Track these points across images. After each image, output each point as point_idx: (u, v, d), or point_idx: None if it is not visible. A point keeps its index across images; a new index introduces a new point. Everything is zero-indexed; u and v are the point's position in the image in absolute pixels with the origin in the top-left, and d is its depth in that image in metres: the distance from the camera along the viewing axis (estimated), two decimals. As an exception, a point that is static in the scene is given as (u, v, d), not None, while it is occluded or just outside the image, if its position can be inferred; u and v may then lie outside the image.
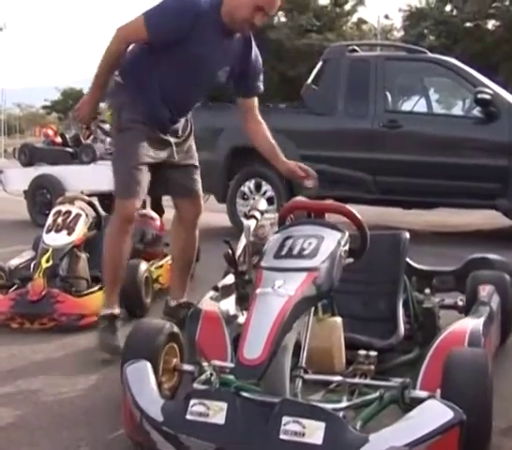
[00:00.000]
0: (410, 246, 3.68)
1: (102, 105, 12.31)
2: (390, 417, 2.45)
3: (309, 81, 8.18)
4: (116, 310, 3.84)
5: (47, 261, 4.44)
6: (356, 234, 2.88)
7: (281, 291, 2.43)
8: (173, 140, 4.02)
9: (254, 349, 2.28)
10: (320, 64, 8.15)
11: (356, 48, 8.39)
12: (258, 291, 2.49)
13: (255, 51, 4.02)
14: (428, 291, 3.69)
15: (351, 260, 2.84)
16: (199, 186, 4.26)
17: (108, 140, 9.94)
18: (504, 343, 3.85)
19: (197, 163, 4.29)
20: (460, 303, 3.89)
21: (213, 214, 9.12)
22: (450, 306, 3.91)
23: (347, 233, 2.77)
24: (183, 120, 4.12)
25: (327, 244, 2.66)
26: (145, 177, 3.86)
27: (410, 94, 8.70)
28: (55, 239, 4.60)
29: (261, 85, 4.12)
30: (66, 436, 2.71)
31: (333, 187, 7.45)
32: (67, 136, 11.49)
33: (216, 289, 3.62)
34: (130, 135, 3.82)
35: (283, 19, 33.13)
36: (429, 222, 9.09)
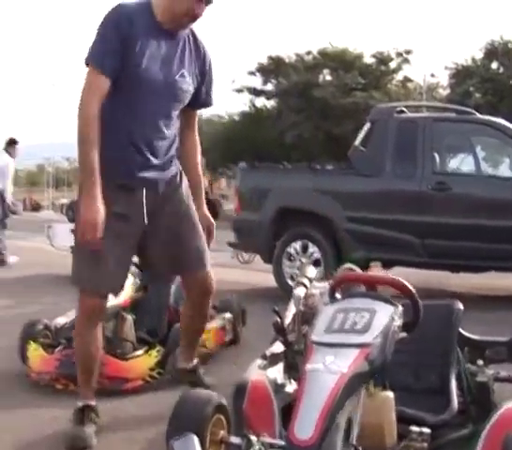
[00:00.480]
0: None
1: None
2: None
3: (357, 142, 8.17)
4: (91, 402, 3.46)
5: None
6: (408, 306, 2.82)
7: (333, 367, 2.37)
8: (149, 193, 3.39)
9: (306, 428, 2.22)
10: (367, 125, 8.16)
11: (404, 109, 8.39)
12: (308, 366, 2.43)
13: (206, 52, 3.54)
14: (481, 362, 3.57)
15: (404, 334, 2.77)
16: (204, 256, 3.61)
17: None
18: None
19: (198, 227, 3.60)
20: (516, 376, 3.78)
21: (259, 273, 9.10)
22: (505, 379, 3.79)
23: (400, 307, 2.71)
24: (167, 166, 3.49)
25: (380, 318, 2.60)
26: (113, 260, 3.32)
27: (458, 155, 8.63)
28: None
29: (212, 97, 3.64)
30: None
31: (380, 249, 7.39)
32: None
33: (264, 357, 3.56)
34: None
35: (328, 77, 33.50)
36: (476, 285, 8.92)
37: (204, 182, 8.30)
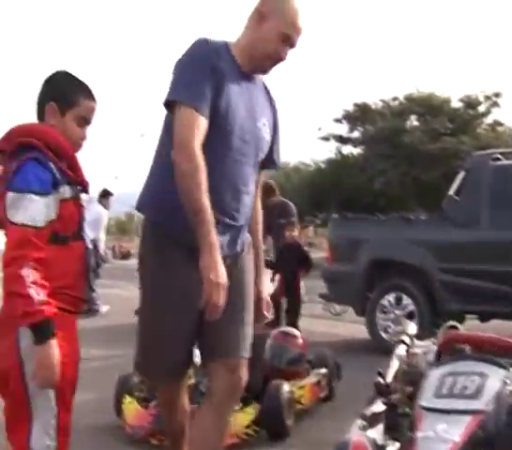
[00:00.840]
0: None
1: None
2: None
3: (451, 192, 8.01)
4: None
5: (189, 377, 4.37)
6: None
7: (445, 436, 2.28)
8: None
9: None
10: (462, 174, 7.99)
11: (500, 156, 8.20)
12: (419, 434, 2.34)
13: (275, 104, 3.18)
14: None
15: (517, 399, 2.64)
16: (242, 346, 2.92)
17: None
18: None
19: (250, 307, 3.00)
20: None
21: (350, 325, 8.97)
22: None
23: (511, 370, 2.59)
24: (245, 228, 3.03)
25: (492, 383, 2.49)
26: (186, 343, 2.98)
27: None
28: (198, 355, 4.54)
29: (280, 156, 3.20)
30: None
31: (476, 301, 7.18)
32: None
33: (363, 417, 3.45)
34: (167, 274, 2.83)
35: (416, 123, 33.25)
36: None
37: (296, 231, 8.21)
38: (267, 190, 9.87)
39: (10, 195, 2.49)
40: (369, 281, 7.88)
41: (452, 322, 3.52)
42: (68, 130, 2.71)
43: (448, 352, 2.91)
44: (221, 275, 2.55)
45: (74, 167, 2.72)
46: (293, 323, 7.55)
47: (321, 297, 8.73)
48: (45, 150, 2.60)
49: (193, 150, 2.65)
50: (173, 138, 2.70)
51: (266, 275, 6.89)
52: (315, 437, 4.06)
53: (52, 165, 2.59)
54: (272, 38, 2.88)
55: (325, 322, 9.55)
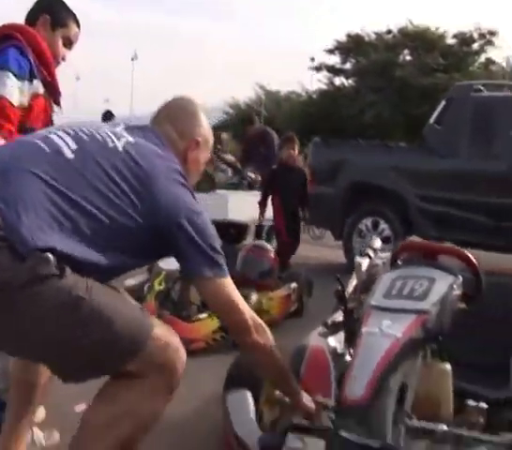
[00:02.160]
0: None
1: (224, 136, 12.48)
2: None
3: (432, 120, 8.08)
4: None
5: (159, 284, 4.52)
6: (472, 279, 2.82)
7: (389, 331, 2.39)
8: None
9: (357, 388, 2.25)
10: (443, 103, 8.05)
11: (482, 88, 8.24)
12: (364, 330, 2.46)
13: None
14: None
15: (464, 305, 2.77)
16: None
17: (229, 170, 10.12)
18: None
19: None
20: None
21: (329, 249, 9.11)
22: None
23: (461, 278, 2.71)
24: None
25: (439, 287, 2.61)
26: None
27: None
28: (169, 263, 4.68)
29: None
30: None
31: (452, 230, 7.31)
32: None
33: (325, 325, 3.60)
34: None
35: (409, 57, 33.00)
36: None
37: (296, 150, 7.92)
38: (247, 121, 10.00)
39: None
40: (348, 205, 8.02)
41: (414, 237, 3.64)
42: (54, 45, 2.87)
43: (404, 260, 3.03)
44: None
45: (51, 75, 2.81)
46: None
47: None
48: (26, 46, 2.72)
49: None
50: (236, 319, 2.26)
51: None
52: (281, 346, 4.20)
53: (31, 60, 2.71)
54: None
55: (304, 246, 9.68)
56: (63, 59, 2.98)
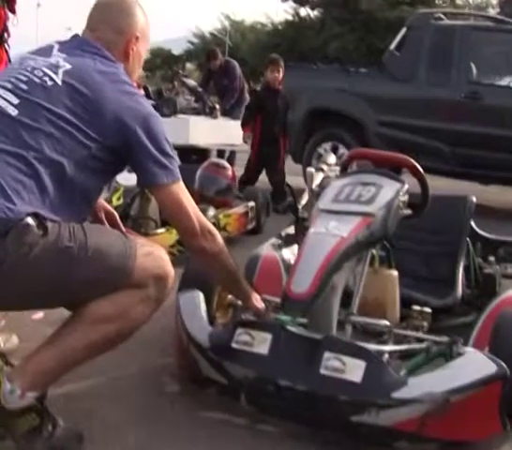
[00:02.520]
0: (485, 221, 3.63)
1: (189, 66, 12.36)
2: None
3: (392, 46, 8.10)
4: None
5: (118, 199, 4.54)
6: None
7: (335, 231, 2.47)
8: None
9: (302, 283, 2.33)
10: (404, 30, 8.06)
11: (442, 16, 8.24)
12: (311, 230, 2.53)
13: None
14: (492, 258, 3.66)
15: (409, 211, 2.85)
16: None
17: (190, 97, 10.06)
18: None
19: None
20: (526, 273, 3.84)
21: (290, 176, 9.16)
22: None
23: (406, 185, 2.79)
24: None
25: (385, 192, 2.68)
26: None
27: (495, 66, 8.38)
28: (128, 179, 4.65)
29: None
30: (117, 359, 2.79)
31: (409, 155, 7.33)
32: (150, 89, 11.64)
33: (279, 237, 3.67)
34: None
35: (375, -11, 32.55)
36: (507, 200, 8.88)
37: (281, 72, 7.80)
38: (209, 55, 9.92)
39: None
40: (308, 130, 8.05)
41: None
42: None
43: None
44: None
45: None
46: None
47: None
48: None
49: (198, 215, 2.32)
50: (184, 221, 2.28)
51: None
52: (237, 260, 4.26)
53: None
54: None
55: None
56: None
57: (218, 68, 9.86)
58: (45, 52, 2.23)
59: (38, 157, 2.01)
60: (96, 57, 2.22)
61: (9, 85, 2.12)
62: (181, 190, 2.23)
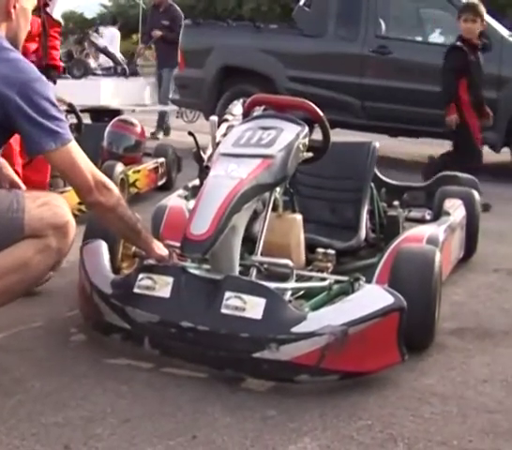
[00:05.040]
0: (392, 172, 3.67)
1: (102, 29, 12.07)
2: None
3: (301, 2, 8.10)
4: None
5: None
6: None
7: (234, 174, 2.48)
8: None
9: (201, 225, 2.34)
10: None
11: None
12: (211, 174, 2.54)
13: None
14: (396, 203, 3.72)
15: (310, 154, 2.87)
16: None
17: (101, 56, 9.91)
18: (468, 258, 3.91)
19: None
20: (428, 217, 3.92)
21: (203, 135, 9.13)
22: (417, 219, 3.94)
23: (306, 127, 2.80)
24: None
25: (285, 135, 2.70)
26: None
27: (403, 21, 8.49)
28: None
29: None
30: (23, 313, 2.77)
31: (320, 109, 7.41)
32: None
33: (185, 188, 3.67)
34: None
35: None
36: (414, 152, 9.03)
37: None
38: None
39: None
40: (219, 88, 8.01)
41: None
42: None
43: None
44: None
45: None
46: None
47: (173, 102, 8.82)
48: None
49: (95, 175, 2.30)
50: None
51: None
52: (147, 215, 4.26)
53: None
54: None
55: (178, 132, 9.65)
56: None
57: (162, 10, 9.54)
58: None
59: None
60: None
61: None
62: (72, 151, 2.21)
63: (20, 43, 2.35)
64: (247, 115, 3.11)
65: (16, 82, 2.08)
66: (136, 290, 2.41)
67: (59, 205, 2.26)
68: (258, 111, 3.18)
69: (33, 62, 3.51)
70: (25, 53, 3.48)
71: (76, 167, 2.22)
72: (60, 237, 2.22)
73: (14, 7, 2.27)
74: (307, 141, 2.80)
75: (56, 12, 3.78)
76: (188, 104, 8.94)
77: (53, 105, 2.16)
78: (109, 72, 9.86)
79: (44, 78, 2.23)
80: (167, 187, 5.48)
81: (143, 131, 5.45)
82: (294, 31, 8.04)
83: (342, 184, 3.63)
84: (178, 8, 9.59)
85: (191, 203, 3.41)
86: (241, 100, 7.57)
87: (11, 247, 2.14)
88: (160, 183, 5.44)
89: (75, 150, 2.22)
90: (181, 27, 8.72)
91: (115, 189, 2.35)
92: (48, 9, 3.67)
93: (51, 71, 3.80)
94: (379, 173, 3.99)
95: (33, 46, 3.62)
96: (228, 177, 2.47)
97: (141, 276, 2.43)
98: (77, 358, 2.51)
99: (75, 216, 4.25)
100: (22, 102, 2.08)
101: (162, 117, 9.35)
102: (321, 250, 2.99)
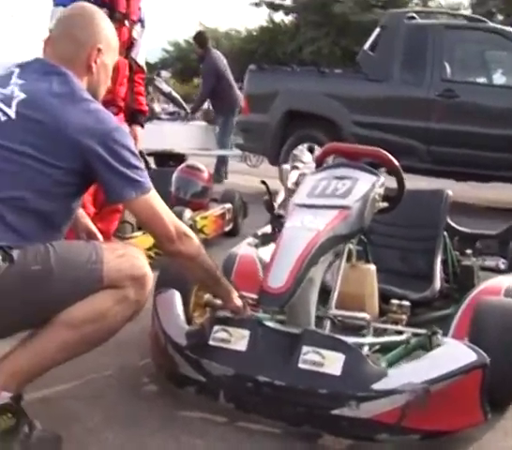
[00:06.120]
0: (461, 218, 3.63)
1: (164, 73, 12.22)
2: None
3: (366, 46, 8.14)
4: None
5: (93, 204, 4.51)
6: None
7: (311, 225, 2.45)
8: None
9: (278, 277, 2.31)
10: (377, 30, 8.09)
11: (415, 15, 8.29)
12: (287, 225, 2.52)
13: None
14: (469, 251, 3.65)
15: (386, 204, 2.84)
16: None
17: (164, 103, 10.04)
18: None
19: None
20: (502, 266, 3.83)
21: (266, 179, 9.14)
22: (491, 268, 3.86)
23: (382, 177, 2.78)
24: None
25: (361, 185, 2.67)
26: None
27: (468, 64, 8.48)
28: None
29: None
30: (94, 361, 2.76)
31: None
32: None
33: (255, 236, 3.65)
34: None
35: (348, -7, 32.70)
36: (484, 197, 8.92)
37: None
38: (194, 38, 9.56)
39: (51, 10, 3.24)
40: (284, 132, 8.04)
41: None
42: None
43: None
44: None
45: None
46: None
47: (236, 147, 8.88)
48: None
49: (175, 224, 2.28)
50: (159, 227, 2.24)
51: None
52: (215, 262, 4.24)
53: None
54: None
55: (241, 176, 9.71)
56: None
57: (199, 58, 9.36)
58: (4, 80, 2.20)
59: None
60: (52, 78, 2.17)
61: None
62: (153, 199, 2.21)
63: (99, 97, 2.37)
64: (320, 164, 3.09)
65: (97, 133, 2.10)
66: (211, 342, 2.39)
67: (137, 257, 2.26)
68: (330, 160, 3.16)
69: (121, 107, 3.59)
70: (116, 98, 3.54)
71: (156, 216, 2.21)
72: (138, 288, 2.22)
73: (95, 61, 2.30)
74: (382, 190, 2.77)
75: (140, 58, 3.80)
76: (251, 149, 9.00)
77: (133, 154, 2.17)
78: (173, 117, 9.99)
79: (123, 127, 2.26)
80: (233, 233, 5.49)
81: (210, 177, 5.48)
82: (359, 75, 8.06)
83: (415, 232, 3.59)
84: (215, 56, 9.17)
85: (261, 252, 3.41)
86: (305, 146, 7.75)
87: (89, 297, 2.14)
88: (227, 229, 5.45)
89: (155, 199, 2.22)
90: (215, 76, 8.78)
91: (195, 238, 2.34)
92: (132, 54, 3.69)
93: (138, 116, 3.84)
94: (450, 220, 3.93)
95: (122, 90, 3.65)
96: (305, 229, 2.44)
97: (216, 328, 2.41)
98: (150, 409, 2.48)
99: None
100: (104, 152, 2.10)
101: (221, 162, 9.30)
102: (395, 302, 2.92)
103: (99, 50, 2.30)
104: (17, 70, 2.23)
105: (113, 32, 2.40)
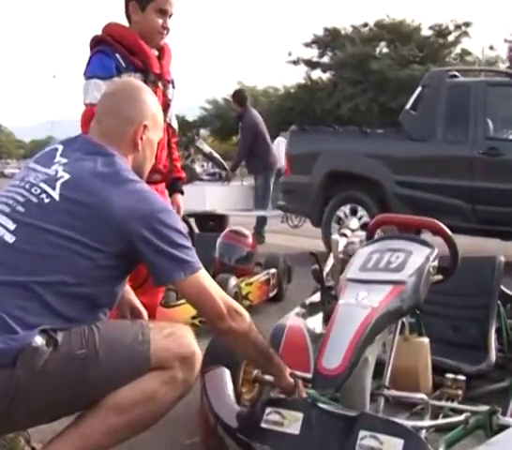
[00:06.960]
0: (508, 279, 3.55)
1: (203, 132, 12.44)
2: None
3: (408, 106, 8.11)
4: None
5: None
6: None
7: (365, 302, 2.38)
8: None
9: (333, 358, 2.23)
10: (419, 89, 8.09)
11: (457, 73, 8.29)
12: (341, 301, 2.45)
13: None
14: None
15: (440, 276, 2.77)
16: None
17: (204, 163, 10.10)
18: None
19: None
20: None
21: (308, 239, 9.09)
22: None
23: (436, 249, 2.71)
24: None
25: (415, 258, 2.60)
26: None
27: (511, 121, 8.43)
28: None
29: None
30: (140, 438, 2.68)
31: (429, 214, 7.26)
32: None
33: (303, 306, 3.59)
34: None
35: (385, 50, 33.10)
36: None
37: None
38: (233, 96, 9.55)
39: (83, 83, 3.15)
40: (326, 193, 8.01)
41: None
42: (149, 22, 3.25)
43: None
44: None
45: (149, 61, 3.27)
46: None
47: (278, 208, 8.85)
48: (114, 43, 3.17)
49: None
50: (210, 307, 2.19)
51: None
52: (260, 328, 4.18)
53: (118, 55, 3.16)
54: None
55: (282, 236, 9.68)
56: (164, 29, 3.30)
57: (238, 116, 9.25)
58: (48, 158, 2.20)
59: (38, 281, 1.99)
60: (96, 158, 2.15)
61: (7, 209, 2.10)
62: (202, 279, 2.16)
63: (144, 174, 2.35)
64: (371, 236, 3.03)
65: (142, 215, 2.06)
66: (263, 425, 2.30)
67: (185, 335, 2.20)
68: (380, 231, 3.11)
69: (164, 174, 3.56)
70: (158, 164, 3.48)
71: (207, 294, 2.16)
72: (186, 369, 2.15)
73: (141, 138, 2.28)
74: (436, 263, 2.69)
75: (174, 120, 3.73)
76: (293, 210, 8.96)
77: (181, 233, 2.13)
78: (214, 178, 10.04)
79: (169, 206, 2.21)
80: (278, 299, 5.42)
81: (254, 242, 5.46)
82: (401, 135, 8.01)
83: (467, 300, 3.49)
84: (254, 114, 9.12)
85: (310, 322, 3.34)
86: (358, 216, 7.68)
87: (137, 379, 2.08)
88: (272, 294, 5.38)
89: (204, 277, 2.17)
90: (253, 135, 8.78)
91: (246, 314, 2.27)
92: (167, 118, 3.55)
93: (178, 184, 3.80)
94: (503, 287, 3.83)
95: (164, 154, 3.57)
96: (359, 306, 2.37)
97: (268, 410, 2.32)
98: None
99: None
100: (149, 234, 2.05)
101: (261, 222, 9.23)
102: (451, 376, 2.82)
103: (146, 126, 2.28)
104: (60, 148, 2.22)
105: (159, 108, 2.39)
